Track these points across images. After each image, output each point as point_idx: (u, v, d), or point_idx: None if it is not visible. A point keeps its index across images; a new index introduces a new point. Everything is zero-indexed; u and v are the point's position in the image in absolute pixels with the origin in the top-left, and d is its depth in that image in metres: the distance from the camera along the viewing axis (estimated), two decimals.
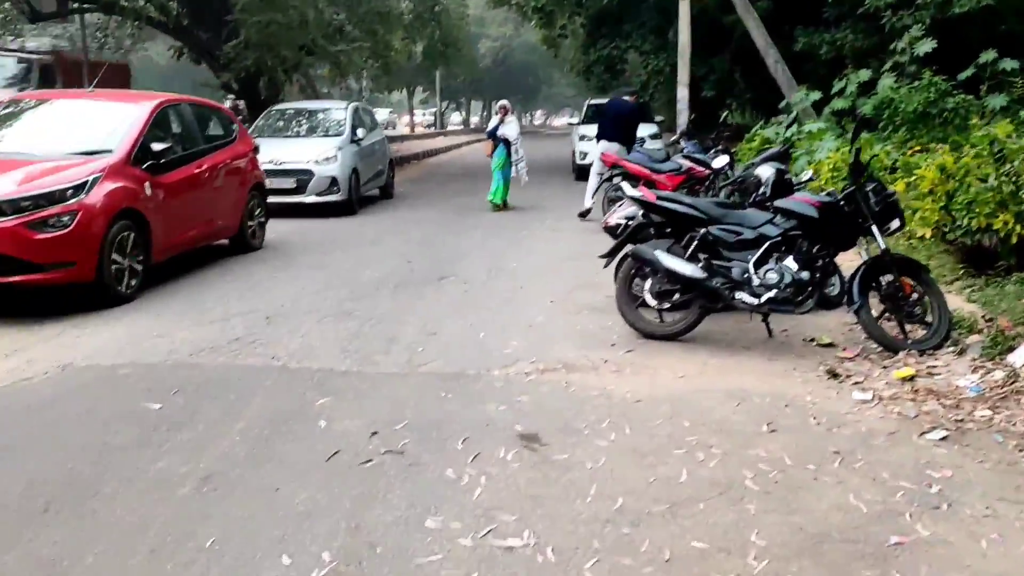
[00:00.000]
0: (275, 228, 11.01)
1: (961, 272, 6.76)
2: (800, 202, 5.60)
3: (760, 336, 5.88)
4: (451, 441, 4.07)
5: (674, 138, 15.99)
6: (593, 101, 20.70)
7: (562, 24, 22.64)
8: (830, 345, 5.70)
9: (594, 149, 12.97)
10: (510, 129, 13.41)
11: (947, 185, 7.71)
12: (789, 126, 12.98)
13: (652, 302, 5.87)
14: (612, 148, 12.24)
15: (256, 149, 9.72)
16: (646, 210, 6.02)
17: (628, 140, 12.70)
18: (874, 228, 5.49)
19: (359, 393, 4.79)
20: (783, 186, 5.69)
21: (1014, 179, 6.19)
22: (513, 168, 13.37)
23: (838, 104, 14.32)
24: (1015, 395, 4.57)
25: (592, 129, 17.96)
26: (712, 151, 11.16)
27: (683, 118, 17.13)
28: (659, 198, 5.94)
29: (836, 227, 5.55)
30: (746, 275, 5.59)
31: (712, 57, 19.78)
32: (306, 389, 4.85)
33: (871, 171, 5.62)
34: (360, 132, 13.49)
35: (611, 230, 6.77)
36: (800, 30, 17.73)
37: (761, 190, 5.67)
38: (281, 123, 13.97)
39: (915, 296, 5.43)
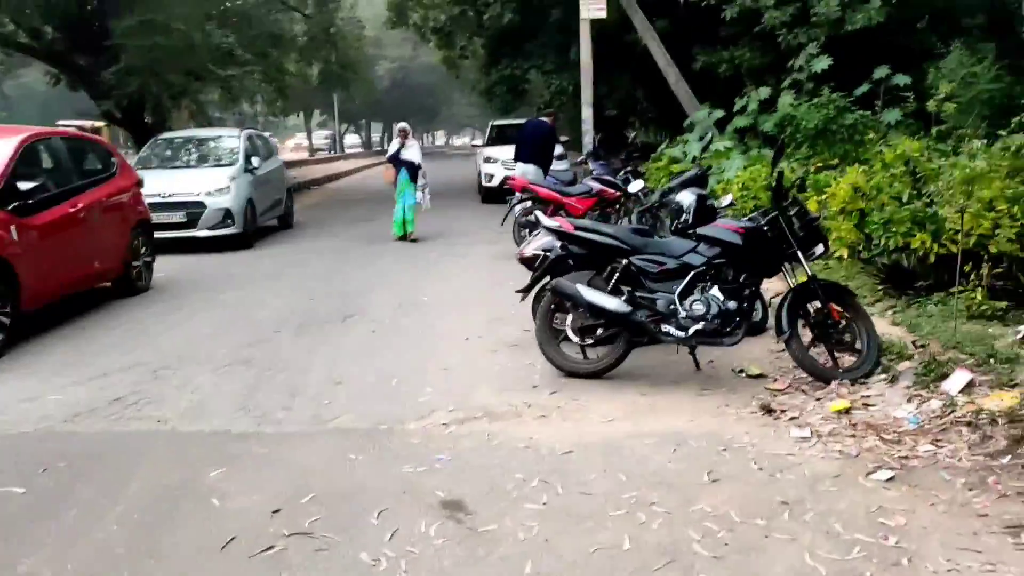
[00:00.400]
0: (164, 266, 10.29)
1: (881, 293, 6.67)
2: (723, 229, 5.37)
3: (688, 369, 5.62)
4: (365, 515, 3.62)
5: (581, 158, 15.87)
6: (497, 122, 20.48)
7: (462, 45, 22.39)
8: (760, 376, 5.47)
9: (512, 172, 13.07)
10: (413, 152, 12.53)
11: (858, 203, 7.68)
12: (705, 148, 12.86)
13: (575, 338, 5.54)
14: (529, 170, 12.07)
15: (140, 183, 9.01)
16: (564, 241, 5.69)
17: (545, 161, 12.51)
18: (799, 254, 5.30)
19: (258, 460, 4.28)
20: (705, 212, 5.47)
21: (932, 198, 6.13)
22: (419, 193, 12.56)
23: (740, 122, 14.44)
24: (955, 426, 4.40)
25: (498, 151, 17.79)
26: (623, 172, 10.98)
27: (588, 138, 17.01)
28: (577, 228, 5.62)
29: (761, 254, 5.33)
30: (672, 307, 5.31)
31: (614, 75, 19.81)
32: (198, 458, 4.31)
33: (793, 194, 5.44)
34: (255, 160, 12.83)
35: (527, 262, 6.41)
36: (699, 49, 17.91)
37: (683, 217, 5.43)
38: (169, 152, 13.19)
39: (843, 322, 5.25)
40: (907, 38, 16.06)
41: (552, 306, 5.61)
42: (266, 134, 16.16)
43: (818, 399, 4.95)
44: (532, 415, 4.85)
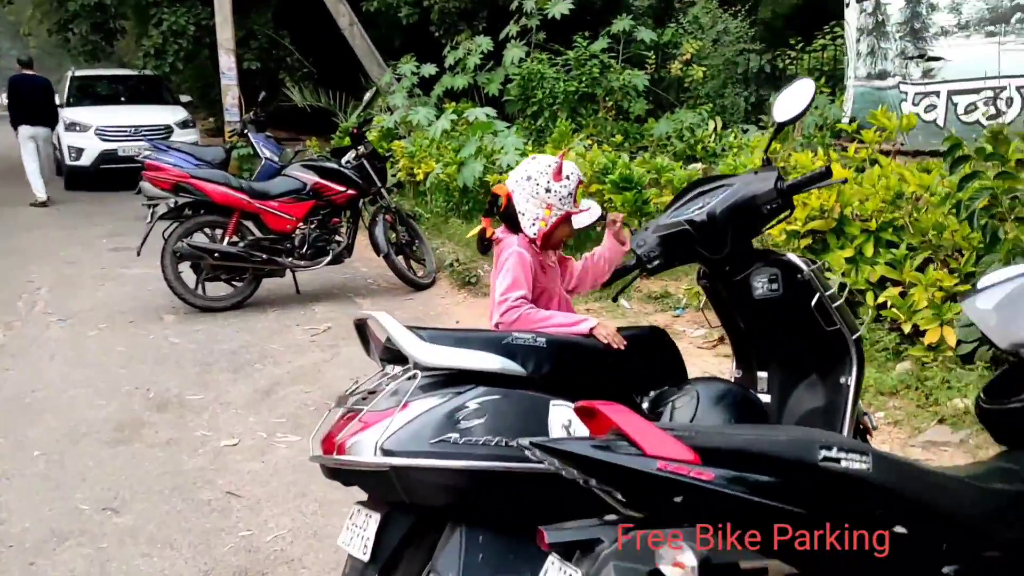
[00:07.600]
0: None
1: None
2: None
3: None
4: None
5: (233, 129, 10.92)
6: (81, 73, 14.38)
7: None
8: None
9: (21, 134, 10.96)
10: None
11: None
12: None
13: None
14: (40, 133, 10.90)
15: None
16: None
17: (52, 120, 11.33)
18: None
19: None
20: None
21: None
22: None
23: (456, 81, 10.60)
24: None
25: (91, 114, 12.31)
26: (354, 155, 6.51)
27: (231, 98, 11.95)
28: (717, 481, 1.32)
29: None
30: None
31: (250, 15, 14.69)
32: None
33: None
34: None
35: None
36: None
37: None
38: None
39: None
40: None
41: None
42: None
43: None
44: None
